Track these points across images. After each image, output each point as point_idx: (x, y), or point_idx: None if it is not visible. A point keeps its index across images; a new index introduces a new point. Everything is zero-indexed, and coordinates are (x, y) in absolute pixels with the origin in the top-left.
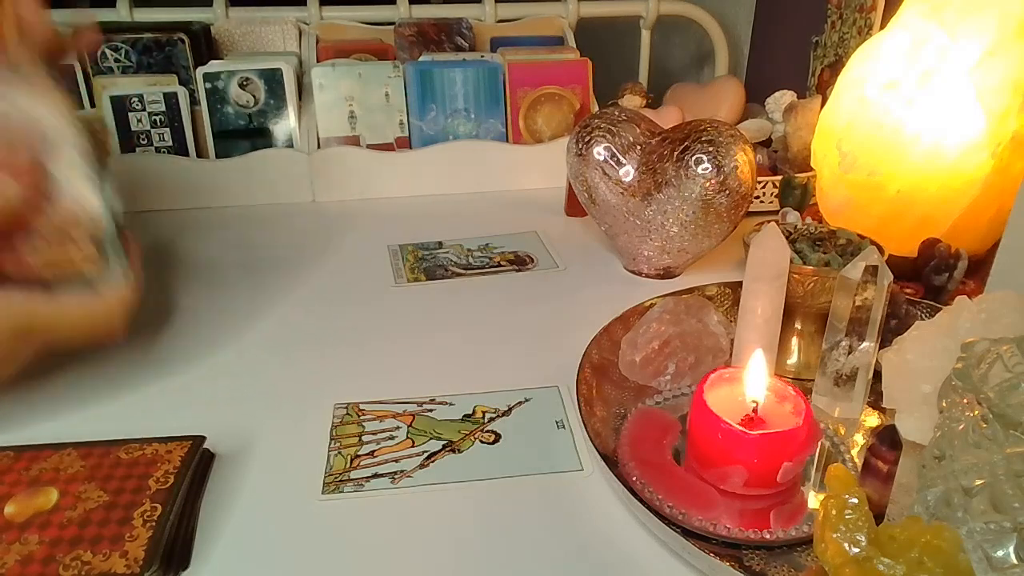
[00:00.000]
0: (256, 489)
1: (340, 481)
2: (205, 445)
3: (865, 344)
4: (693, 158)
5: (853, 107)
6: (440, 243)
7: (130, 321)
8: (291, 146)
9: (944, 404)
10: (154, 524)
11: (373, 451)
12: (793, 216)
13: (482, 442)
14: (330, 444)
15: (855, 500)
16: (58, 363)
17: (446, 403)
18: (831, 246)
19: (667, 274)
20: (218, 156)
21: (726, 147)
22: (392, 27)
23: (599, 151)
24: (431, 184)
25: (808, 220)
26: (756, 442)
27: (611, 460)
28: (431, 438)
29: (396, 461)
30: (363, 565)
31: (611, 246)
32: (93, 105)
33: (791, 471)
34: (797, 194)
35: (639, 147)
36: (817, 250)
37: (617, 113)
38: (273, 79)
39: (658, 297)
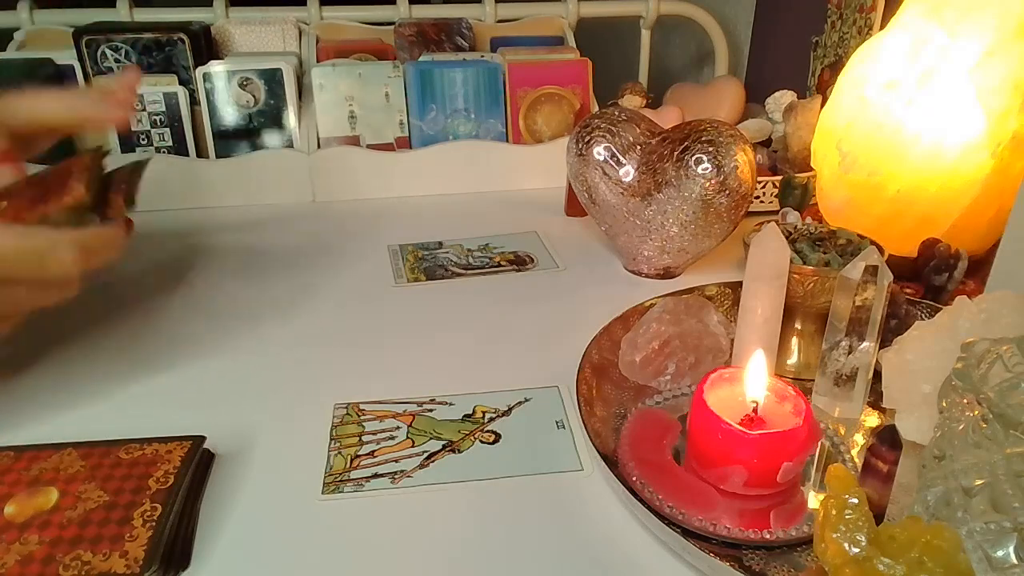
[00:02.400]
0: (256, 489)
1: (340, 481)
2: (205, 445)
3: (865, 344)
4: (693, 158)
5: (853, 107)
6: (440, 243)
7: (82, 276)
8: (291, 146)
9: (944, 404)
10: (154, 524)
11: (373, 451)
12: (793, 216)
13: (482, 442)
14: (330, 444)
15: (855, 500)
16: (57, 362)
17: (446, 403)
18: (831, 246)
19: (667, 274)
20: (218, 156)
21: (726, 147)
22: (392, 27)
23: (599, 151)
24: (431, 184)
25: (808, 220)
26: (756, 442)
27: (611, 460)
28: (431, 438)
29: (396, 461)
30: (363, 565)
31: (611, 246)
32: None
33: (791, 471)
34: (797, 194)
35: (639, 147)
36: (817, 250)
37: (617, 113)
38: (273, 79)
39: (658, 297)
